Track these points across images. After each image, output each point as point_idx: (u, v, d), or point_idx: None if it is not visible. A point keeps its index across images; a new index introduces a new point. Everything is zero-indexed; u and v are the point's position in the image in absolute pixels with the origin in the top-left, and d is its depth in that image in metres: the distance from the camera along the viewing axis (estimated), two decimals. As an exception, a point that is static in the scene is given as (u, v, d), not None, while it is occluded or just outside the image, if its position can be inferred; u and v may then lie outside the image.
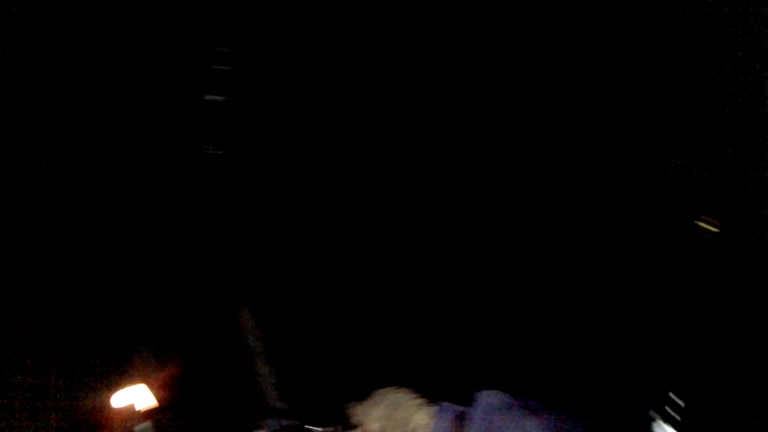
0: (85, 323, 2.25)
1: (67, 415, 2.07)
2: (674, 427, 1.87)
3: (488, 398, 1.14)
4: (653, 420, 1.89)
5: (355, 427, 1.30)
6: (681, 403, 1.90)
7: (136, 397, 1.62)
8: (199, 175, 2.39)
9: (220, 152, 2.35)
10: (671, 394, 1.93)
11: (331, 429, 1.44)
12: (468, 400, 1.19)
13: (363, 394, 1.33)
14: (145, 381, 1.80)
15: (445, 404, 1.20)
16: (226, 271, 2.16)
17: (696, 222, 2.25)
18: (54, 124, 2.30)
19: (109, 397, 1.53)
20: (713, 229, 2.22)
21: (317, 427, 1.51)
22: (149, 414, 1.61)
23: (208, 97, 2.35)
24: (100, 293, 2.30)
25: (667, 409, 1.91)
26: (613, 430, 1.33)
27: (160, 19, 2.35)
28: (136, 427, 1.57)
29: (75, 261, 2.31)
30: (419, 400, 1.23)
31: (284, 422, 1.46)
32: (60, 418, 2.06)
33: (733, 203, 2.22)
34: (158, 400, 1.75)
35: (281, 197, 2.56)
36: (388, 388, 1.29)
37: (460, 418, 1.13)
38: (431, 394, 1.27)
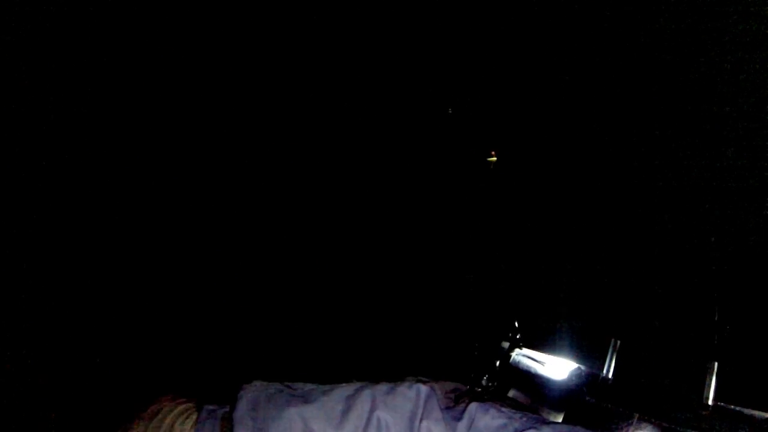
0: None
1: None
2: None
3: (251, 392, 1.03)
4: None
5: None
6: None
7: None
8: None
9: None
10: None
11: None
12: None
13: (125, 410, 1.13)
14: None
15: (210, 407, 1.05)
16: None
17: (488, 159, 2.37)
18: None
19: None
20: (492, 159, 2.35)
21: None
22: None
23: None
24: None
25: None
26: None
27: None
28: None
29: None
30: (181, 408, 1.06)
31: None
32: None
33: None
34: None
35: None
36: (150, 404, 1.09)
37: (226, 420, 1.01)
38: (198, 398, 1.11)
